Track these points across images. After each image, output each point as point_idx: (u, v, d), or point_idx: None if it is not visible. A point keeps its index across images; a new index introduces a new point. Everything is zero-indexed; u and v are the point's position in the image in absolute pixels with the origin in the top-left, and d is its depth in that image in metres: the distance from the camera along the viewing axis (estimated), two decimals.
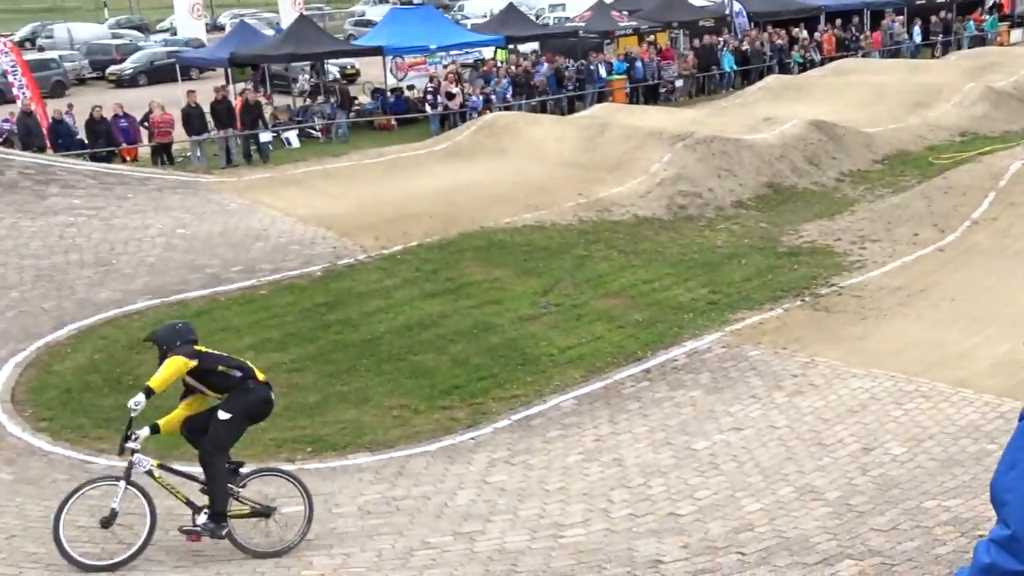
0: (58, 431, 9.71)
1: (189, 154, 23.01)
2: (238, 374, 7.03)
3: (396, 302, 13.19)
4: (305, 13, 42.59)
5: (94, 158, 20.86)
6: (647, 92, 30.07)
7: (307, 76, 30.63)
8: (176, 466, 7.28)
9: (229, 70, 29.04)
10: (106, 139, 22.37)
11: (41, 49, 48.39)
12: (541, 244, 15.44)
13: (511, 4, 37.38)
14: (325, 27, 38.99)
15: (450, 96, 26.49)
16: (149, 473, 6.97)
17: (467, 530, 7.47)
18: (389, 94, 28.54)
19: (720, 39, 32.63)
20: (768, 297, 13.09)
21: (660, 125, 20.91)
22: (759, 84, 29.15)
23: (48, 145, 21.57)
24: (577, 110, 26.76)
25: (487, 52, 31.56)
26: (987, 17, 41.27)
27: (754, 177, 18.80)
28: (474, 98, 26.38)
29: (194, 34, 50.25)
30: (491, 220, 16.40)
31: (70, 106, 24.10)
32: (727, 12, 35.24)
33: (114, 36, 51.47)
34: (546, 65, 29.10)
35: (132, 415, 6.74)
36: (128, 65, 41.36)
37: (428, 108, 26.79)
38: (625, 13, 34.00)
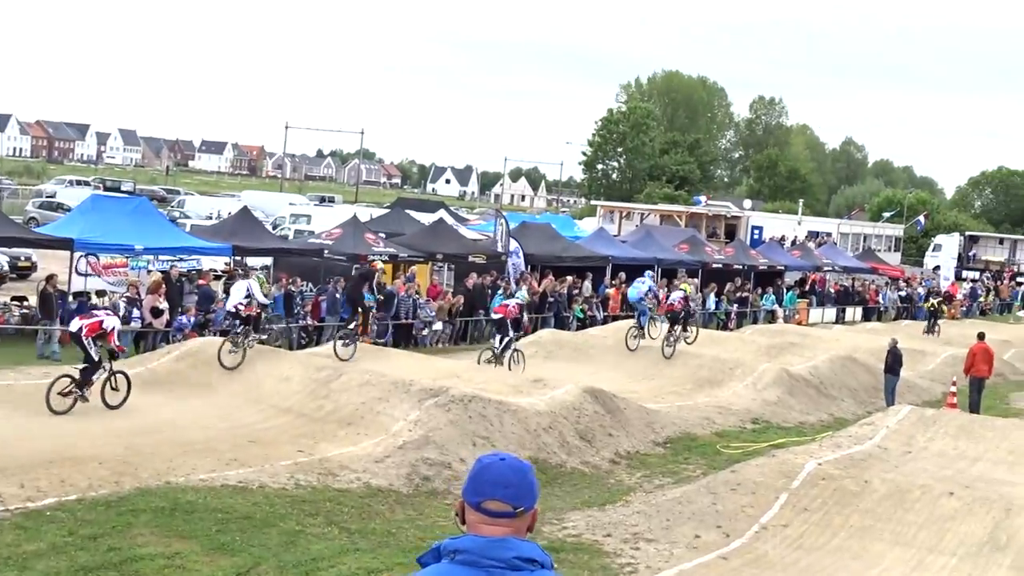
0: None
1: None
2: None
3: None
4: None
5: None
6: (399, 332, 30.37)
7: None
8: None
9: None
10: None
11: None
12: (242, 512, 14.77)
13: (245, 208, 37.72)
14: (1, 205, 37.83)
15: (156, 313, 25.76)
16: None
17: None
18: (71, 299, 27.49)
19: (491, 279, 33.85)
20: None
21: (410, 374, 21.04)
22: (531, 337, 30.13)
23: None
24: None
25: (207, 261, 31.28)
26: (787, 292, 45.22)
27: (515, 449, 18.99)
28: (183, 318, 25.82)
29: None
30: (181, 475, 15.66)
31: None
32: (500, 250, 36.66)
33: None
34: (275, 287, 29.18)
35: None
36: None
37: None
38: (382, 236, 34.79)
